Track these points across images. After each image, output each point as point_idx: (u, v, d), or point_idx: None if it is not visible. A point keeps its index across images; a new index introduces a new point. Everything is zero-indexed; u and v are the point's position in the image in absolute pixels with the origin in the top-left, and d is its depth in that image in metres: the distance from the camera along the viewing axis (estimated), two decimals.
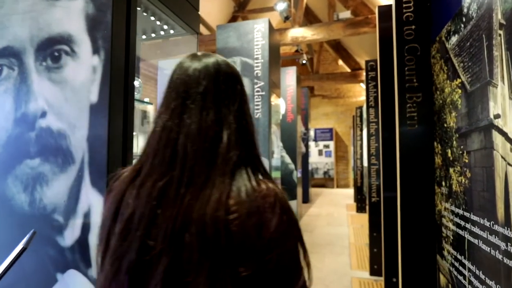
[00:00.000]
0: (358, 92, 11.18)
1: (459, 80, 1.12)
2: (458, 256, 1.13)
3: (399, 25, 1.52)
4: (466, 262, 1.06)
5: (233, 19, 7.03)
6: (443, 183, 1.30)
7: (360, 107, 6.61)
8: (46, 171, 1.13)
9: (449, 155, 1.22)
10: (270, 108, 3.64)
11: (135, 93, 1.56)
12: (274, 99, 4.66)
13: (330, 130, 11.04)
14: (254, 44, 3.58)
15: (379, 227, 3.27)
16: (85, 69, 1.11)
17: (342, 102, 11.34)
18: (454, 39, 1.16)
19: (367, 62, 3.44)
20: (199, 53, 0.60)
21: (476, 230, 0.98)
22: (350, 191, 9.93)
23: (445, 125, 1.27)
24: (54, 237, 1.11)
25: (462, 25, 1.07)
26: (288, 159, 5.66)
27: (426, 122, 1.44)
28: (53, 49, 1.15)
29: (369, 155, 3.37)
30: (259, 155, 0.62)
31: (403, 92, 1.49)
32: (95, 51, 1.10)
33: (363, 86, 10.77)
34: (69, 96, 1.12)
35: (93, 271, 1.06)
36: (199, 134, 0.51)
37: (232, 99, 0.57)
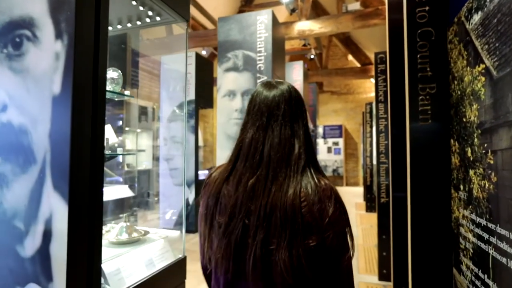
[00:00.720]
0: (369, 88, 10.88)
1: (482, 66, 0.94)
2: (480, 274, 0.96)
3: (410, 7, 1.34)
4: (490, 282, 0.89)
5: (240, 13, 6.88)
6: (461, 187, 1.13)
7: (370, 103, 6.37)
8: (6, 171, 1.01)
9: (469, 154, 1.05)
10: None
11: (113, 85, 1.43)
12: None
13: (340, 127, 10.79)
14: (257, 37, 3.42)
15: (389, 229, 3.09)
16: (47, 56, 0.98)
17: (352, 98, 11.07)
18: (476, 17, 0.98)
19: (376, 54, 3.24)
20: (273, 82, 0.79)
21: (504, 246, 0.81)
22: (360, 190, 9.68)
23: (464, 119, 1.09)
24: (14, 247, 0.98)
25: None
26: None
27: (441, 116, 1.26)
28: (14, 34, 1.02)
29: (378, 153, 3.18)
30: (317, 159, 0.75)
31: (415, 82, 1.32)
32: (58, 35, 0.97)
33: (373, 81, 10.48)
34: (30, 87, 0.99)
35: (55, 285, 0.93)
36: (279, 145, 0.69)
37: (300, 117, 0.75)
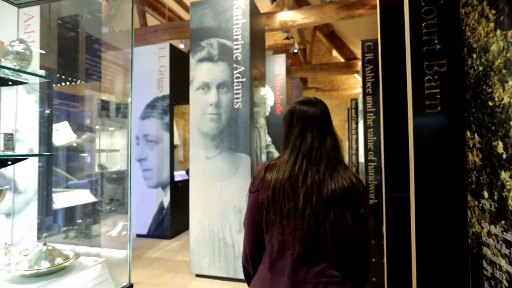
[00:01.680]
0: (353, 84, 10.73)
1: None
2: None
3: None
4: None
5: None
6: (486, 194, 0.84)
7: (356, 99, 6.16)
8: None
9: (500, 150, 0.76)
10: (252, 97, 3.16)
11: (18, 61, 1.07)
12: (260, 89, 4.18)
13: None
14: (234, 24, 3.09)
15: (378, 233, 2.85)
16: None
17: (337, 95, 10.89)
18: None
19: (363, 42, 2.97)
20: (312, 99, 1.00)
21: None
22: None
23: (491, 103, 0.81)
24: None
25: None
26: (277, 155, 5.19)
27: (454, 101, 0.98)
28: None
29: (366, 150, 2.91)
30: None
31: (420, 59, 1.03)
32: None
33: (358, 78, 10.33)
34: None
35: None
36: (331, 149, 0.93)
37: (332, 127, 0.99)
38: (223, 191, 3.06)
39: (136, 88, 4.77)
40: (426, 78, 1.01)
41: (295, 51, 6.99)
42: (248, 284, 1.03)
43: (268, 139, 5.24)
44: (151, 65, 4.61)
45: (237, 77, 3.07)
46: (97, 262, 1.23)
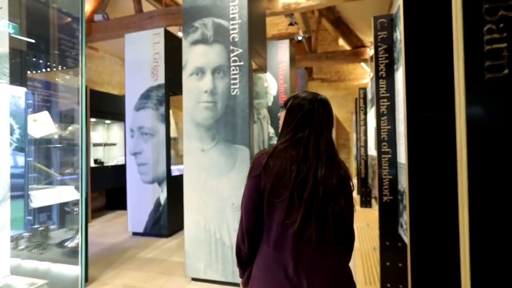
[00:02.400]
0: (360, 75, 10.33)
1: None
2: None
3: None
4: None
5: None
6: None
7: (364, 88, 5.81)
8: None
9: None
10: (251, 82, 2.85)
11: None
12: (261, 76, 3.86)
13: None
14: (230, 1, 2.77)
15: (393, 234, 2.54)
16: None
17: (343, 85, 10.51)
18: None
19: (376, 19, 2.63)
20: (316, 94, 1.08)
21: None
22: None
23: None
24: None
25: None
26: None
27: None
28: None
29: (380, 141, 2.59)
30: None
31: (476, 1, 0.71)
32: None
33: (366, 67, 9.92)
34: None
35: None
36: (329, 140, 1.03)
37: (331, 122, 1.09)
38: (219, 187, 2.77)
39: (129, 77, 4.49)
40: (486, 28, 0.69)
41: (300, 38, 6.63)
42: (241, 267, 1.12)
43: (271, 131, 4.94)
44: (145, 52, 4.31)
45: (234, 61, 2.76)
46: (33, 285, 0.95)
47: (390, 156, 2.53)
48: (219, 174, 2.78)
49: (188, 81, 2.91)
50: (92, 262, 3.35)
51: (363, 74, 10.22)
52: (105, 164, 5.72)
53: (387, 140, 2.55)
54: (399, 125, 2.41)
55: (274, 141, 4.90)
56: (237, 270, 2.72)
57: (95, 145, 5.98)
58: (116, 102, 5.74)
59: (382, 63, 2.57)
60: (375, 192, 5.09)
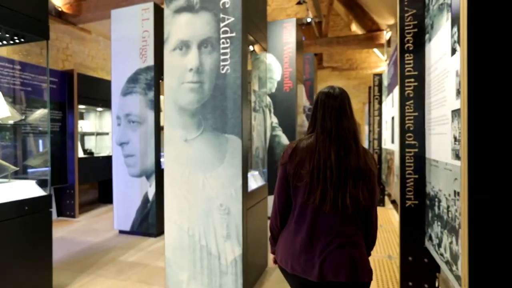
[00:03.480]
0: (374, 63, 9.68)
1: None
2: None
3: None
4: None
5: None
6: None
7: (379, 75, 5.23)
8: None
9: None
10: (246, 58, 2.35)
11: None
12: (261, 57, 3.36)
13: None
14: None
15: (417, 247, 2.02)
16: None
17: (355, 74, 9.88)
18: None
19: None
20: (335, 89, 1.19)
21: None
22: None
23: None
24: None
25: None
26: (285, 140, 4.39)
27: None
28: None
29: (403, 131, 2.08)
30: None
31: None
32: None
33: (380, 55, 9.27)
34: None
35: None
36: (348, 129, 1.14)
37: (350, 110, 1.18)
38: (206, 184, 2.31)
39: (116, 59, 4.03)
40: None
41: (309, 20, 6.05)
42: (273, 240, 1.31)
43: (274, 120, 4.45)
44: (132, 30, 3.84)
45: (225, 32, 2.26)
46: None
47: (416, 150, 2.02)
48: (205, 168, 2.31)
49: (170, 58, 2.43)
50: (66, 266, 2.96)
51: (377, 62, 9.57)
52: (96, 155, 5.32)
53: (413, 130, 2.03)
54: (429, 111, 1.89)
55: (277, 131, 4.42)
56: (224, 283, 2.29)
57: (86, 134, 5.59)
58: (108, 88, 5.29)
59: (409, 33, 2.04)
60: (389, 189, 4.56)
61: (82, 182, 4.90)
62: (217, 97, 2.29)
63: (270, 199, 4.57)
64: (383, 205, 5.14)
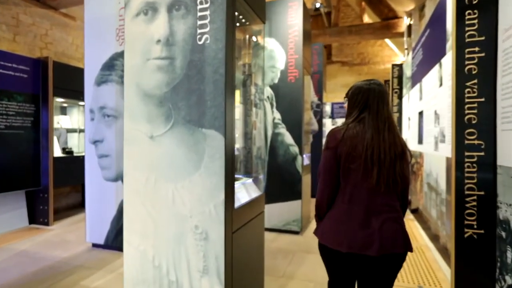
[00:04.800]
0: (387, 57, 8.96)
1: None
2: None
3: None
4: None
5: None
6: None
7: (399, 65, 4.54)
8: None
9: None
10: (232, 25, 1.72)
11: None
12: (260, 43, 2.74)
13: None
14: None
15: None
16: None
17: (367, 69, 9.17)
18: None
19: None
20: (372, 81, 1.33)
21: None
22: None
23: None
24: None
25: None
26: (289, 139, 3.75)
27: None
28: None
29: (461, 126, 1.42)
30: None
31: None
32: None
33: (394, 48, 8.54)
34: None
35: None
36: (388, 116, 1.27)
37: (388, 100, 1.33)
38: (177, 198, 1.68)
39: (89, 42, 3.40)
40: None
41: (317, 5, 5.38)
42: (319, 219, 1.37)
43: (277, 116, 3.80)
44: (107, 8, 3.24)
45: None
46: None
47: (481, 154, 1.36)
48: (176, 176, 1.69)
49: (132, 27, 1.81)
50: None
51: (391, 56, 8.85)
52: (76, 154, 4.74)
53: (476, 124, 1.37)
54: (503, 96, 1.22)
55: (280, 128, 3.77)
56: None
57: (68, 131, 5.03)
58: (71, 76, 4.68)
59: None
60: (415, 199, 3.88)
61: (58, 185, 4.32)
62: (193, 77, 1.66)
63: (269, 208, 3.93)
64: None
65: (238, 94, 2.88)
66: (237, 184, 1.94)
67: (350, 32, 6.25)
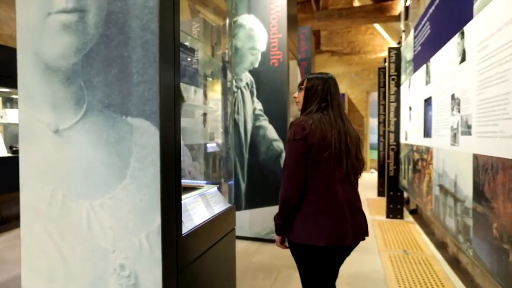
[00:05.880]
0: (379, 46, 8.49)
1: None
2: None
3: None
4: None
5: None
6: None
7: (397, 48, 4.04)
8: None
9: None
10: None
11: None
12: (239, 21, 2.17)
13: (341, 96, 8.44)
14: None
15: None
16: None
17: (357, 59, 8.69)
18: None
19: None
20: (329, 74, 1.36)
21: None
22: (369, 177, 7.51)
23: None
24: None
25: None
26: (272, 133, 3.20)
27: None
28: None
29: None
30: None
31: None
32: None
33: (386, 36, 8.08)
34: None
35: None
36: (342, 107, 1.31)
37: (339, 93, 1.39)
38: (93, 223, 1.12)
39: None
40: None
41: None
42: (285, 217, 1.26)
43: (258, 106, 3.25)
44: None
45: None
46: None
47: None
48: (91, 190, 1.12)
49: None
50: None
51: (383, 45, 8.38)
52: None
53: None
54: None
55: (262, 121, 3.22)
56: None
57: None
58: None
59: None
60: (419, 202, 3.40)
61: (3, 190, 3.66)
62: (112, 39, 1.08)
63: (251, 215, 3.40)
64: (401, 217, 3.99)
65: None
66: (190, 198, 1.38)
67: (340, 16, 5.72)
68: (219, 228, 1.51)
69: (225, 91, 2.14)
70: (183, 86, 2.41)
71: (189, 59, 2.37)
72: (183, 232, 1.17)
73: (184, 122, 2.23)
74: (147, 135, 1.04)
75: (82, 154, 1.12)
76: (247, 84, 3.28)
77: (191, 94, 2.40)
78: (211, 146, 2.43)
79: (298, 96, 1.37)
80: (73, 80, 1.14)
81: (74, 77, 1.13)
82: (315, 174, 1.21)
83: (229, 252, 1.65)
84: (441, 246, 3.04)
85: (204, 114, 2.49)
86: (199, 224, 1.31)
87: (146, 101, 1.04)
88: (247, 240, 3.28)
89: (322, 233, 1.17)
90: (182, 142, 2.24)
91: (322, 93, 1.28)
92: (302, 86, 1.35)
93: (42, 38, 1.18)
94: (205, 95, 2.47)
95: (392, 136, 4.03)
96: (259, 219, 3.26)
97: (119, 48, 1.07)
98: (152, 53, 1.03)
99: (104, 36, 1.09)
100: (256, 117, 3.25)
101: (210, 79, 2.48)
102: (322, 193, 1.21)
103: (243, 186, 3.33)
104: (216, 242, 1.46)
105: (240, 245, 3.13)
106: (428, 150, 2.53)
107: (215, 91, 2.43)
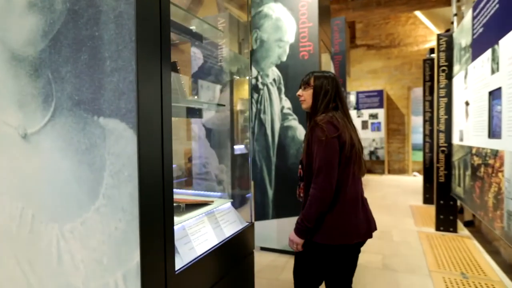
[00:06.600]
0: (422, 37, 7.76)
1: None
2: None
3: None
4: None
5: None
6: None
7: (449, 36, 3.50)
8: None
9: None
10: None
11: None
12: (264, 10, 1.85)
13: (379, 93, 7.84)
14: None
15: None
16: None
17: (397, 53, 8.01)
18: None
19: None
20: (332, 73, 1.35)
21: None
22: (411, 181, 6.85)
23: None
24: None
25: None
26: (302, 134, 2.86)
27: None
28: None
29: None
30: None
31: None
32: None
33: (431, 26, 7.34)
34: None
35: None
36: (348, 109, 1.34)
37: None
38: (64, 252, 0.87)
39: None
40: None
41: None
42: (315, 216, 1.21)
43: (286, 104, 2.92)
44: None
45: None
46: None
47: None
48: (61, 211, 0.87)
49: None
50: None
51: (426, 36, 7.64)
52: None
53: None
54: None
55: (291, 120, 2.90)
56: None
57: None
58: None
59: None
60: (482, 217, 2.89)
61: None
62: (81, 16, 0.83)
63: (278, 224, 3.07)
64: (455, 231, 3.44)
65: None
66: (193, 219, 1.10)
67: (378, 4, 5.20)
68: (231, 256, 1.21)
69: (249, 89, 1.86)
70: (202, 83, 2.16)
71: (213, 55, 2.12)
72: (176, 268, 0.89)
73: (210, 123, 2.00)
74: (123, 141, 0.77)
75: (51, 165, 0.89)
76: (274, 80, 2.97)
77: (216, 92, 2.16)
78: (239, 149, 2.18)
79: (303, 94, 1.33)
80: (41, 71, 0.90)
81: (41, 68, 0.90)
82: (345, 172, 1.21)
83: (246, 285, 1.35)
84: (510, 270, 2.50)
85: (230, 114, 2.23)
86: (202, 254, 1.02)
87: (121, 95, 0.77)
88: (274, 253, 2.96)
89: (353, 231, 1.19)
90: (207, 144, 1.97)
91: (332, 92, 1.28)
92: (309, 84, 1.31)
93: (7, 22, 0.96)
94: (231, 93, 2.22)
95: (442, 136, 3.49)
96: (288, 229, 2.93)
97: (89, 26, 0.81)
98: (127, 30, 0.76)
99: (72, 11, 0.84)
100: (284, 117, 2.92)
101: (237, 77, 2.22)
102: (351, 192, 1.22)
103: (270, 192, 3.02)
104: (225, 275, 1.16)
105: (266, 258, 2.83)
106: (495, 154, 2.05)
107: (242, 90, 2.19)
